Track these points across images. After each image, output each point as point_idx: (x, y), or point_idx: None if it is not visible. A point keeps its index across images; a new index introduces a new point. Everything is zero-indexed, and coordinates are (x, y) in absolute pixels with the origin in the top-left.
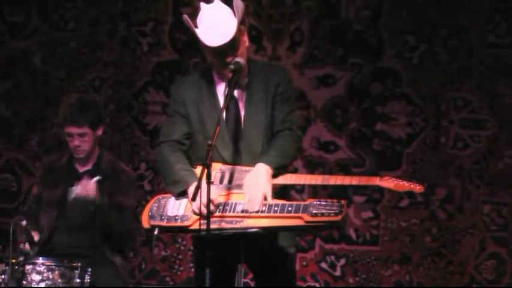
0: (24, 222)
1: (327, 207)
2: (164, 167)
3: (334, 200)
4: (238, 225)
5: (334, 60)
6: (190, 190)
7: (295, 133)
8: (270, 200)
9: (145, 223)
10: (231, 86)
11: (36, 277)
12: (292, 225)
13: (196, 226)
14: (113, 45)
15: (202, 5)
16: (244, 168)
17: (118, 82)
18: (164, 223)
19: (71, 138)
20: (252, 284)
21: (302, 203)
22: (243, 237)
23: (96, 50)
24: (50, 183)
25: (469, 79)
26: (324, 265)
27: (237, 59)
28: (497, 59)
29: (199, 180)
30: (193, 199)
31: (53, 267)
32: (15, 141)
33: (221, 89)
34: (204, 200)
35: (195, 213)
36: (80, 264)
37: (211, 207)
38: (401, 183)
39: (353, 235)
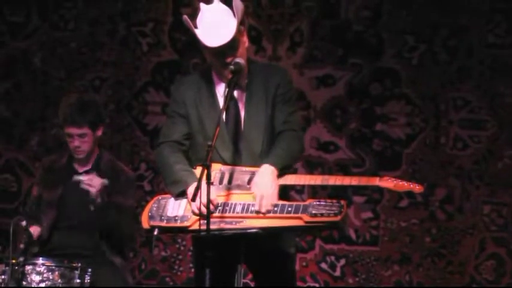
0: (24, 223)
1: (327, 208)
2: (164, 167)
3: (334, 201)
4: (238, 226)
5: (334, 61)
6: (190, 190)
7: (298, 134)
8: (276, 201)
9: (145, 223)
10: (230, 87)
11: (36, 277)
12: (292, 226)
13: (196, 227)
14: (112, 45)
15: (202, 5)
16: (244, 168)
17: (118, 82)
18: (164, 223)
19: (71, 138)
20: (252, 284)
21: (302, 203)
22: (242, 238)
23: (96, 50)
24: (50, 184)
25: (468, 79)
26: (323, 265)
27: (237, 60)
28: (497, 59)
29: (199, 180)
30: (193, 199)
31: (53, 267)
32: (15, 142)
33: (221, 90)
34: (204, 200)
35: (194, 213)
36: (79, 264)
37: (211, 207)
38: (401, 183)
39: (353, 235)
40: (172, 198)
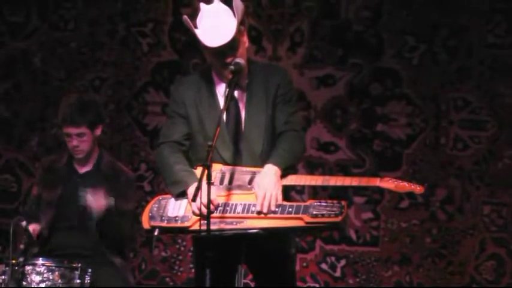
0: (24, 223)
1: (327, 208)
2: (164, 168)
3: (335, 201)
4: (238, 226)
5: (334, 61)
6: (190, 191)
7: (300, 134)
8: (280, 201)
9: (146, 224)
10: (231, 87)
11: (36, 278)
12: (292, 226)
13: (196, 227)
14: (112, 46)
15: (202, 5)
16: (244, 169)
17: (118, 82)
18: (164, 224)
19: (70, 138)
20: (252, 284)
21: (302, 204)
22: (243, 238)
23: (96, 50)
24: (50, 184)
25: (468, 79)
26: (324, 266)
27: (237, 60)
28: (497, 59)
29: (200, 181)
30: (194, 200)
31: (53, 267)
32: (15, 142)
33: (221, 90)
34: (204, 200)
35: (194, 214)
36: (80, 264)
37: (211, 207)
38: (401, 184)
39: (353, 236)
40: (173, 199)
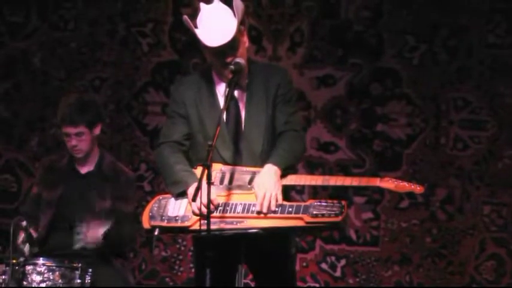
0: (24, 223)
1: (327, 208)
2: (164, 168)
3: (335, 201)
4: (238, 226)
5: (334, 61)
6: (190, 191)
7: (300, 134)
8: (281, 201)
9: (146, 224)
10: (231, 87)
11: (36, 278)
12: (292, 226)
13: (196, 227)
14: (112, 46)
15: (202, 5)
16: (244, 168)
17: (118, 82)
18: (164, 224)
19: (68, 138)
20: (252, 284)
21: (302, 203)
22: (243, 238)
23: (96, 50)
24: (50, 184)
25: (468, 79)
26: (324, 266)
27: (237, 60)
28: (497, 59)
29: (200, 180)
30: (194, 200)
31: (54, 267)
32: (15, 142)
33: (221, 90)
34: (204, 200)
35: (194, 213)
36: (80, 264)
37: (211, 207)
38: (401, 184)
39: (353, 236)
40: (173, 198)
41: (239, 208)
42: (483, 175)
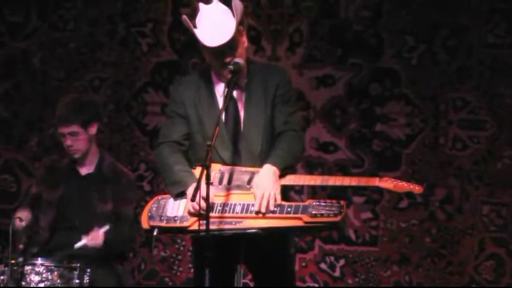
0: (23, 223)
1: (326, 208)
2: (163, 168)
3: (334, 201)
4: (237, 226)
5: (334, 61)
6: (189, 191)
7: (299, 134)
8: (279, 201)
9: (145, 224)
10: (230, 87)
11: (35, 278)
12: (291, 226)
13: (195, 227)
14: (112, 46)
15: (201, 5)
16: (243, 169)
17: (117, 82)
18: (163, 224)
19: (64, 138)
20: (251, 284)
21: (301, 203)
22: (242, 238)
23: (96, 51)
24: (51, 184)
25: (468, 79)
26: (323, 266)
27: (237, 60)
28: (496, 59)
29: (199, 180)
30: (193, 200)
31: (52, 267)
32: (14, 142)
33: (220, 90)
34: (203, 200)
35: (190, 213)
36: (78, 264)
37: (204, 206)
38: (400, 183)
39: (352, 236)
40: (172, 199)
41: (238, 208)
42: (482, 175)
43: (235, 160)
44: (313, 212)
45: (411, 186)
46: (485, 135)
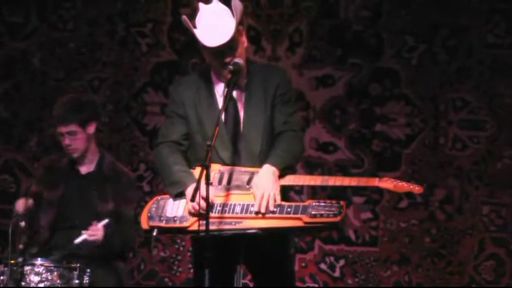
0: (23, 223)
1: (326, 208)
2: (163, 168)
3: (333, 201)
4: (237, 226)
5: (333, 61)
6: (188, 191)
7: (298, 134)
8: (279, 201)
9: (144, 224)
10: (230, 87)
11: (35, 278)
12: (291, 226)
13: (195, 227)
14: (112, 46)
15: (201, 5)
16: (243, 169)
17: (117, 82)
18: (163, 224)
19: (62, 137)
20: (251, 285)
21: (301, 204)
22: (242, 238)
23: (95, 51)
24: (50, 183)
25: (468, 79)
26: (323, 266)
27: (236, 60)
28: (496, 59)
29: (198, 181)
30: (192, 200)
31: (52, 268)
32: (14, 142)
33: (220, 90)
34: (201, 201)
35: (190, 213)
36: (78, 264)
37: (204, 205)
38: (400, 184)
39: (352, 236)
40: (171, 199)
41: (238, 208)
42: (482, 175)
43: (234, 160)
44: (313, 212)
45: (411, 186)
46: (485, 135)
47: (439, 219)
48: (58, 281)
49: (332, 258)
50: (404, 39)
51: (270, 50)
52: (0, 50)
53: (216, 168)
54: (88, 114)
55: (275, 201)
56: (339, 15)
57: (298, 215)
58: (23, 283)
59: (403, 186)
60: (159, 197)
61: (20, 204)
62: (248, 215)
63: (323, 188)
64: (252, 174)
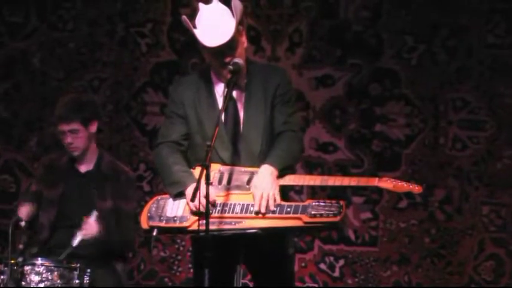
0: (23, 223)
1: (326, 208)
2: (162, 168)
3: (333, 201)
4: (237, 226)
5: (333, 61)
6: (188, 191)
7: (298, 134)
8: (279, 201)
9: (144, 224)
10: (229, 87)
11: (35, 278)
12: (291, 226)
13: (195, 227)
14: (111, 46)
15: (201, 5)
16: (243, 169)
17: (117, 83)
18: (163, 224)
19: (64, 135)
20: (251, 284)
21: (301, 203)
22: (242, 238)
23: (95, 51)
24: (50, 182)
25: (468, 79)
26: (322, 266)
27: (236, 60)
28: (496, 59)
29: (198, 181)
30: (192, 200)
31: (52, 267)
32: (14, 142)
33: (219, 90)
34: (202, 200)
35: (192, 212)
36: (79, 265)
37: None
38: (400, 184)
39: (352, 236)
40: (171, 199)
41: (238, 208)
42: (482, 175)
43: (234, 160)
44: (313, 212)
45: (411, 186)
46: (485, 135)
47: (439, 219)
48: (58, 281)
49: (332, 258)
50: (404, 40)
51: (269, 50)
52: (0, 50)
53: (216, 168)
54: (90, 113)
55: (275, 200)
56: (338, 16)
57: (298, 215)
58: (23, 283)
59: (403, 186)
60: (159, 197)
61: (23, 212)
62: (248, 214)
63: (323, 188)
64: (252, 174)
